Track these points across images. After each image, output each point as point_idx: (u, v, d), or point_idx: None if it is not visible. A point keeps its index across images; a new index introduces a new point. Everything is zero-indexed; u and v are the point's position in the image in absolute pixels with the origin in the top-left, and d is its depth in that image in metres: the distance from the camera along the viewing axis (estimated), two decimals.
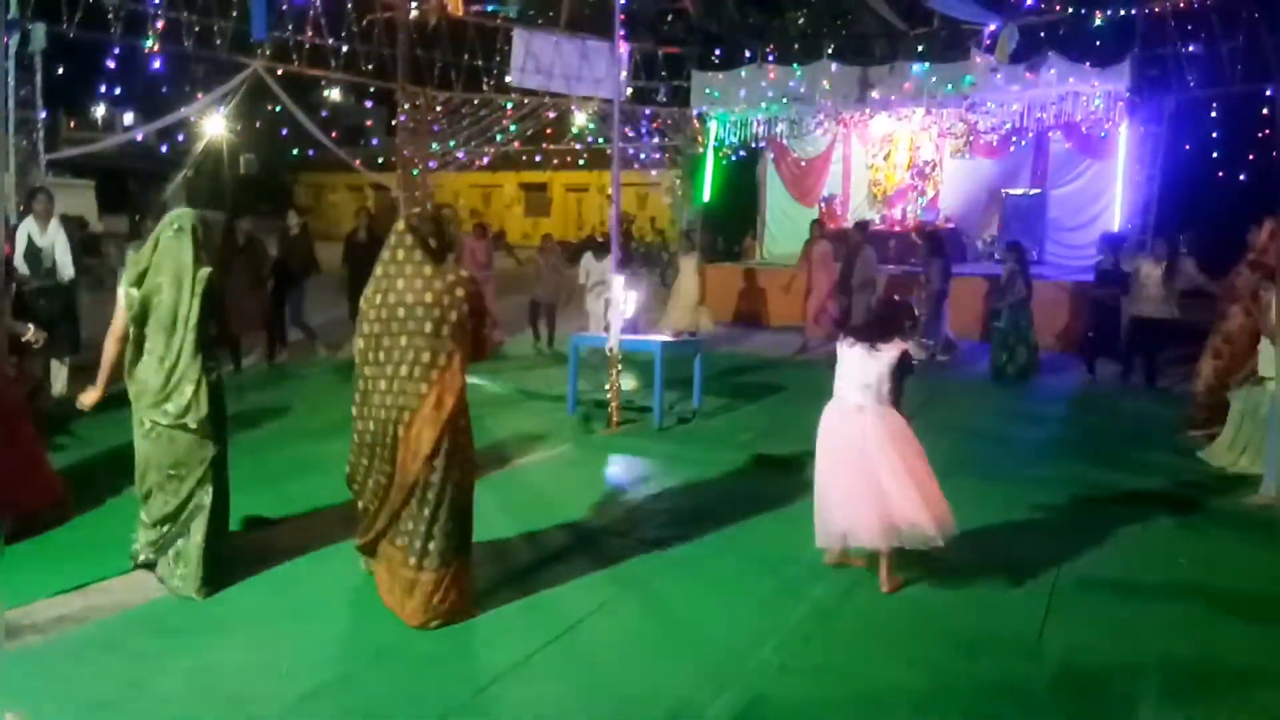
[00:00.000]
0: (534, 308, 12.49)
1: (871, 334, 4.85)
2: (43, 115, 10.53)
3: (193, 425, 4.48)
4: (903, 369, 4.82)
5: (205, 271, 4.50)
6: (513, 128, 15.20)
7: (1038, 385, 10.64)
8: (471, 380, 4.59)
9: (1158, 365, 10.28)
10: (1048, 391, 10.44)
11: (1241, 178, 12.20)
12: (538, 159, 21.03)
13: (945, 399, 9.26)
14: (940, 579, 4.93)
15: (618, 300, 8.29)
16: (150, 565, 4.66)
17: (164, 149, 22.34)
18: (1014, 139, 15.14)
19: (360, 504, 4.49)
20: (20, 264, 8.17)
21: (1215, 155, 12.41)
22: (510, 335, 12.60)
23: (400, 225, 4.31)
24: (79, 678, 3.75)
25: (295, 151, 24.40)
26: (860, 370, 4.80)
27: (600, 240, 26.28)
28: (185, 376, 4.46)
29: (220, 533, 4.67)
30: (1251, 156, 12.09)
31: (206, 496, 4.56)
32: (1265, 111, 11.74)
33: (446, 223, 4.45)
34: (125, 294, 4.50)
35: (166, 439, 4.50)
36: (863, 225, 13.10)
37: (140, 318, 4.47)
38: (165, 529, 4.56)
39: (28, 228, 8.38)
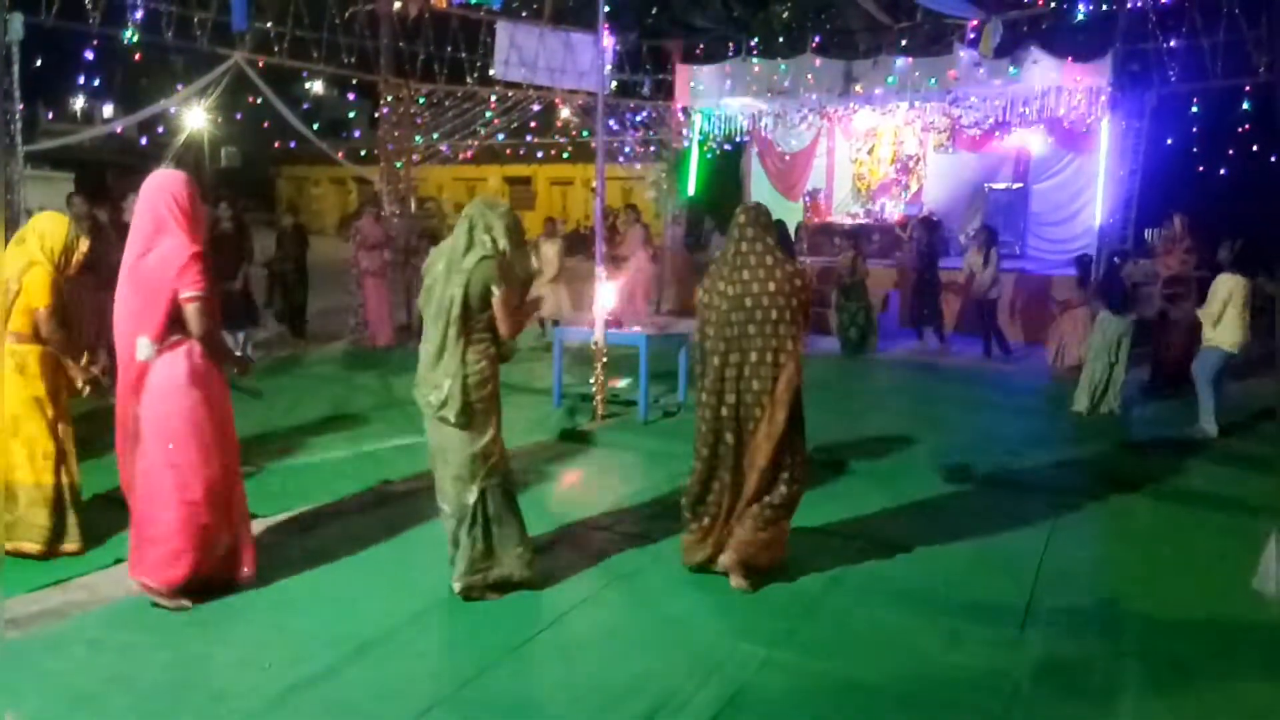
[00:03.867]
0: None
1: None
2: (19, 107, 10.39)
3: (450, 419, 4.37)
4: None
5: (471, 259, 4.32)
6: (488, 113, 15.10)
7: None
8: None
9: (1001, 336, 11.77)
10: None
11: (1222, 172, 12.30)
12: (522, 152, 20.97)
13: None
14: (923, 570, 4.96)
15: (601, 293, 8.27)
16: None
17: (144, 142, 22.11)
18: (997, 133, 15.19)
19: (697, 482, 4.62)
20: None
21: (1196, 150, 12.50)
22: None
23: (742, 219, 4.48)
24: (60, 672, 3.72)
25: (277, 144, 24.20)
26: None
27: (584, 234, 26.33)
28: (444, 368, 4.37)
29: (487, 534, 4.44)
30: (1231, 151, 12.19)
31: (469, 495, 4.41)
32: (1246, 106, 11.84)
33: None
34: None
35: (435, 426, 4.47)
36: (715, 214, 13.93)
37: (425, 305, 4.48)
38: (451, 522, 4.52)
39: None
